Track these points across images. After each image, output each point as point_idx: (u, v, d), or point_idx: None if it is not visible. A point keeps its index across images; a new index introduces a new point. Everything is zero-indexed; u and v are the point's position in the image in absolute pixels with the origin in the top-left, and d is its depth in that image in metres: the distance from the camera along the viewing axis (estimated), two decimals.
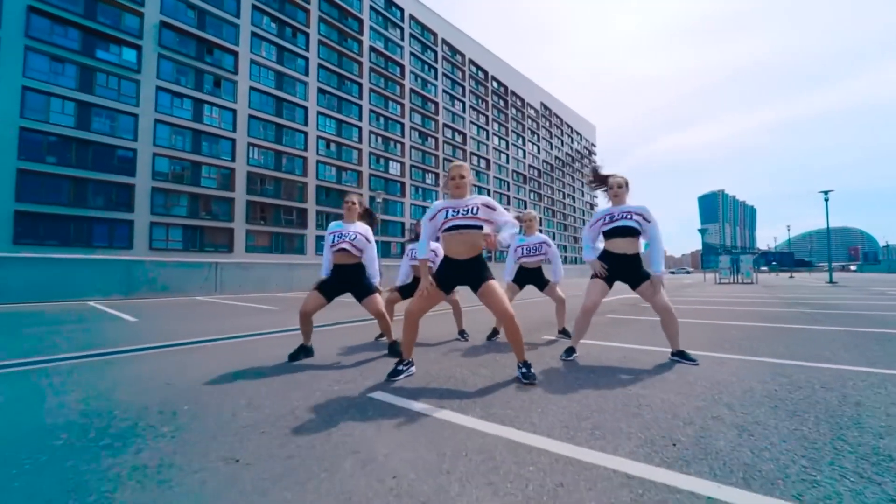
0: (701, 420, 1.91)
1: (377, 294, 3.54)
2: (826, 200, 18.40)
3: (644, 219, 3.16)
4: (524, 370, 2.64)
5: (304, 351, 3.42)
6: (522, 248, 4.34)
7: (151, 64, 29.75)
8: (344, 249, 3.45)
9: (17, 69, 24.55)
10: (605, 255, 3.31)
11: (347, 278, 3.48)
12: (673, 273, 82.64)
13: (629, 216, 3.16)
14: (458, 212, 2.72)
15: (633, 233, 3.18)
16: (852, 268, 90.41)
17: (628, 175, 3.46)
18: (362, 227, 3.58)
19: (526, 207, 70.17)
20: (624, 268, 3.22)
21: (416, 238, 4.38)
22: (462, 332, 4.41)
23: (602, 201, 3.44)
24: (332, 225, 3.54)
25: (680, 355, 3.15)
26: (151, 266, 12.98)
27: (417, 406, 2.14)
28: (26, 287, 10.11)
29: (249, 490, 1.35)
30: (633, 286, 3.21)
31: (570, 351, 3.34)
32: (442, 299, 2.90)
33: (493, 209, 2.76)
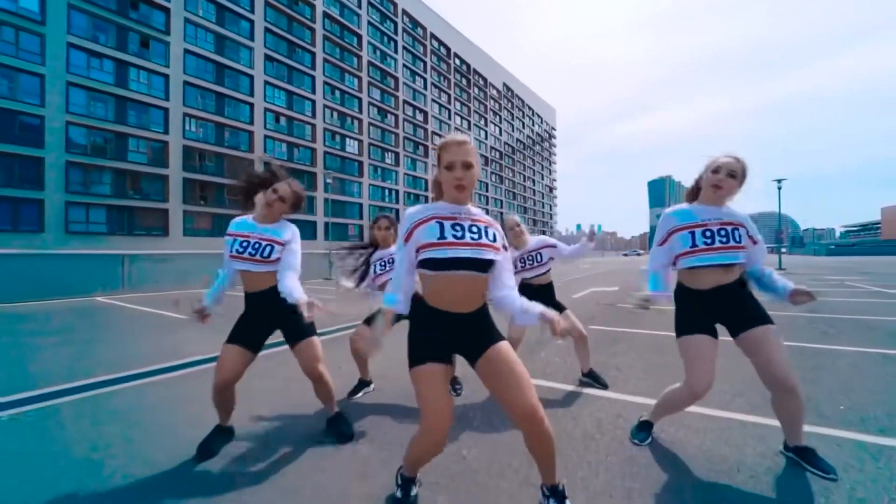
0: None
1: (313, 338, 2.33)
2: (779, 189, 18.97)
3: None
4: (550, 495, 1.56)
5: (223, 435, 2.26)
6: (517, 261, 3.15)
7: (59, 16, 25.44)
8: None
9: None
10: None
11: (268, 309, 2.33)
12: (625, 255, 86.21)
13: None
14: (464, 231, 1.55)
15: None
16: (783, 250, 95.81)
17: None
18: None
19: (487, 190, 69.82)
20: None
21: (373, 246, 3.21)
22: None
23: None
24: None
25: None
26: (33, 260, 10.85)
27: None
28: None
29: None
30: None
31: (646, 427, 2.28)
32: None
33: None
